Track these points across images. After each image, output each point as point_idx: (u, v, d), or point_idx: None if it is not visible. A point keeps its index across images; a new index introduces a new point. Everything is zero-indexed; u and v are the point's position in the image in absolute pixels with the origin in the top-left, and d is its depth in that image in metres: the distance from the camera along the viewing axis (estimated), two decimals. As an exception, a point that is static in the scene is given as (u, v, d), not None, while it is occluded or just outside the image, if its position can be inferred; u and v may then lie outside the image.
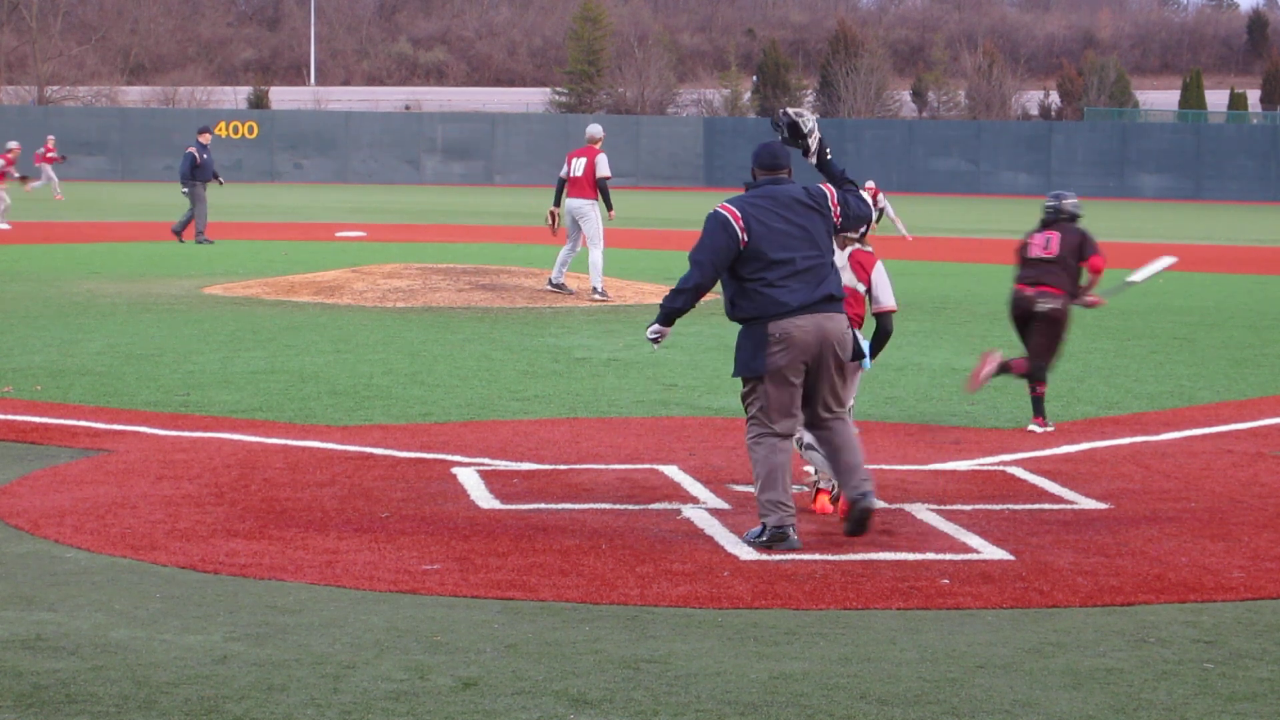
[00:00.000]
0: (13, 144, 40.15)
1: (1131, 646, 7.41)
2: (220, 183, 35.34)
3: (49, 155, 54.37)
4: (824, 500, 10.27)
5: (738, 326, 9.46)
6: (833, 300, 9.36)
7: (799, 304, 9.26)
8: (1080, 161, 76.34)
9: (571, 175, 22.50)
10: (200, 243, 33.80)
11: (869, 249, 10.57)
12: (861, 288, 10.45)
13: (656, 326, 9.58)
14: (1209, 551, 9.25)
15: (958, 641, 7.45)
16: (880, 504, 9.62)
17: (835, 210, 9.51)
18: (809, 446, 10.25)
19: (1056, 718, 6.46)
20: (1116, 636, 7.57)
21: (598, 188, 22.48)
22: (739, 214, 9.32)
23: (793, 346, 9.25)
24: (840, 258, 10.33)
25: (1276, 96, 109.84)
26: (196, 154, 34.03)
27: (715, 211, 9.42)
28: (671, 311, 9.51)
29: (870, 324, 10.43)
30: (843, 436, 9.49)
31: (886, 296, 10.39)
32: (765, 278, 9.28)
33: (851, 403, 10.46)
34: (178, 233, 34.19)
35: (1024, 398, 14.99)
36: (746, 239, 9.28)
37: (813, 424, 9.56)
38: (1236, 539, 9.57)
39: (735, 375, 9.47)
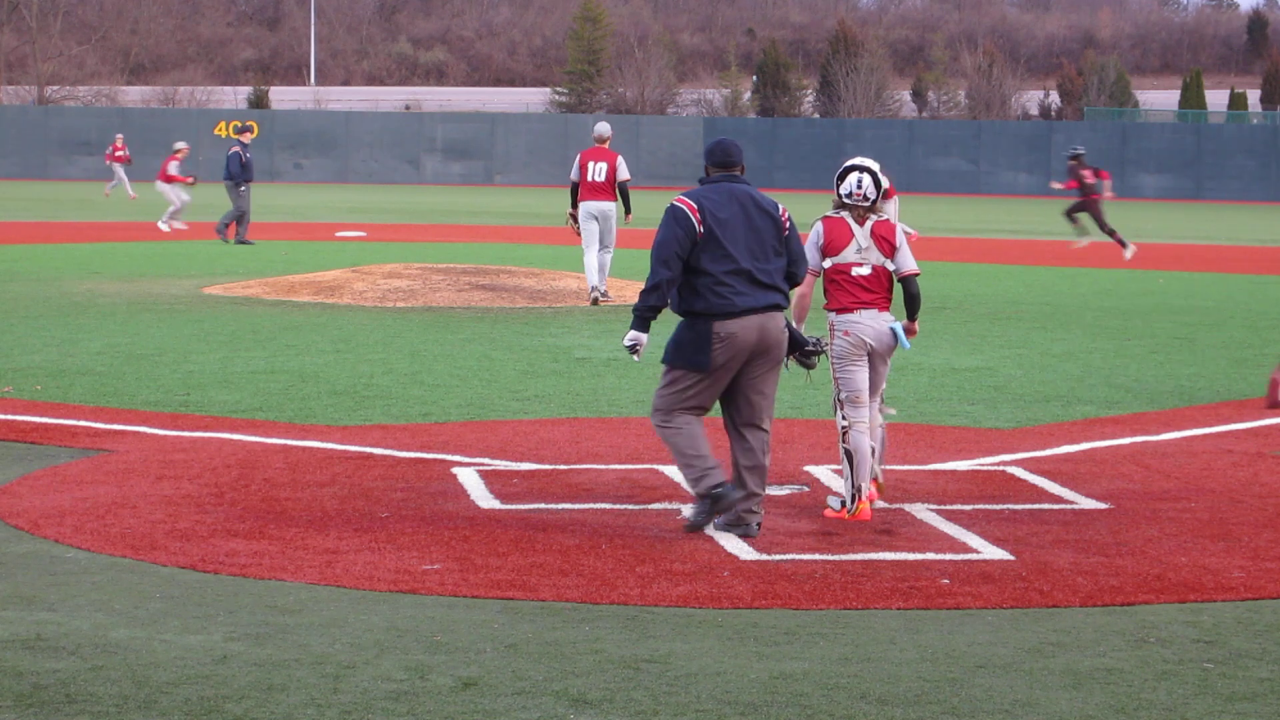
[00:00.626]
0: (180, 144, 39.95)
1: (1131, 646, 7.41)
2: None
3: (118, 154, 53.44)
4: (867, 503, 10.14)
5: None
6: (778, 307, 9.46)
7: (745, 307, 9.34)
8: (1080, 161, 76.30)
9: (591, 179, 22.29)
10: (223, 238, 33.78)
11: (885, 217, 10.45)
12: (890, 264, 10.32)
13: (633, 334, 9.55)
14: (1209, 551, 9.25)
15: (958, 641, 7.45)
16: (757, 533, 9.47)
17: (785, 224, 9.57)
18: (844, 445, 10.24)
19: (1056, 718, 6.46)
20: (1116, 636, 7.57)
21: (618, 190, 22.41)
22: (696, 206, 9.39)
23: (734, 346, 9.34)
24: (863, 236, 10.27)
25: (1276, 96, 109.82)
26: (242, 153, 34.00)
27: (673, 204, 9.49)
28: (646, 311, 9.46)
29: (893, 296, 10.45)
30: (759, 458, 9.48)
31: (910, 262, 10.35)
32: (715, 274, 9.34)
33: (883, 386, 10.45)
34: (241, 240, 33.92)
35: (1021, 399, 15.00)
36: (703, 230, 9.34)
37: (734, 428, 9.54)
38: (1236, 539, 9.57)
39: (669, 364, 9.47)
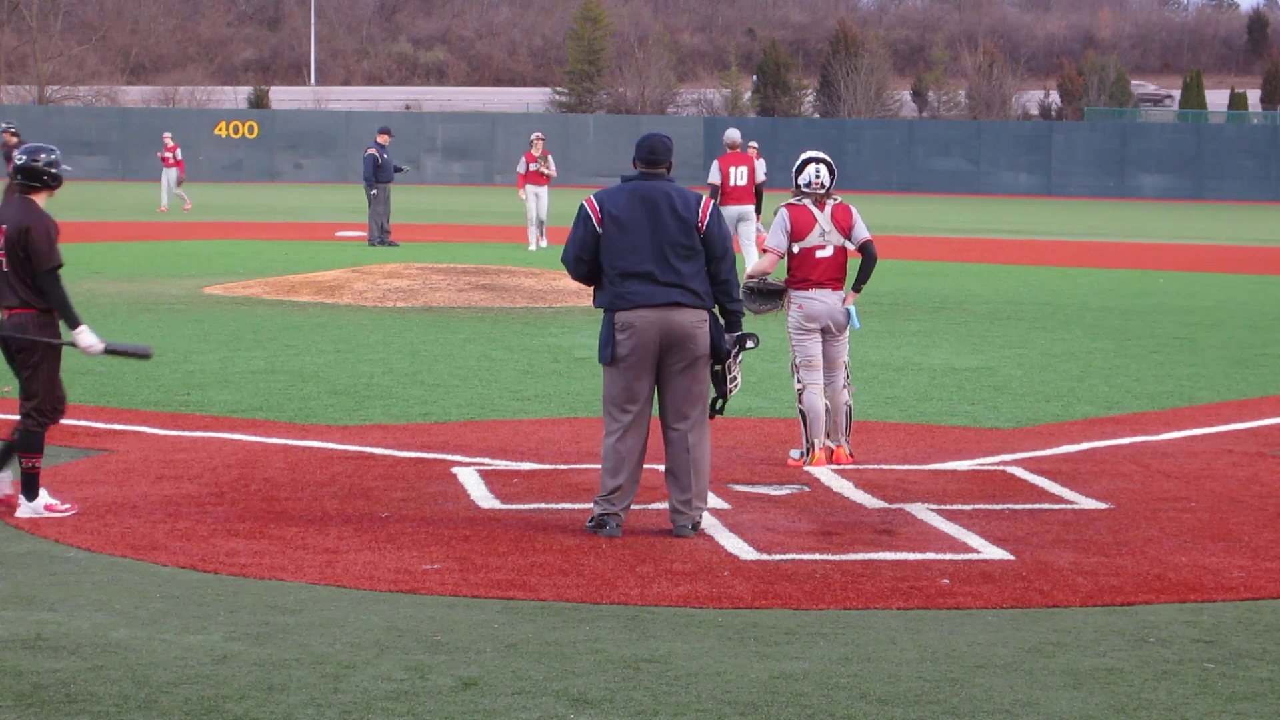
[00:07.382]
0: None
1: (1131, 646, 7.42)
2: (404, 170, 35.56)
3: (164, 156, 49.96)
4: (822, 456, 11.48)
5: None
6: (679, 305, 9.40)
7: (643, 301, 9.37)
8: (1080, 161, 76.29)
9: (734, 184, 23.55)
10: (384, 244, 33.52)
11: (839, 200, 11.75)
12: (850, 244, 11.65)
13: None
14: (1209, 551, 9.25)
15: (958, 641, 7.45)
16: (691, 534, 9.49)
17: (703, 221, 9.48)
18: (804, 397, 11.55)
19: (1056, 718, 6.47)
20: (1116, 636, 7.57)
21: (756, 193, 23.74)
22: (597, 205, 9.47)
23: (636, 336, 9.37)
24: (825, 220, 11.59)
25: (1276, 96, 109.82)
26: (378, 155, 33.85)
27: (581, 204, 9.60)
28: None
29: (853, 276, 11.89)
30: (681, 454, 9.45)
31: (863, 231, 11.73)
32: (614, 273, 9.41)
33: (846, 359, 11.74)
34: (383, 242, 33.72)
35: (1021, 399, 14.99)
36: (601, 230, 9.39)
37: (662, 427, 9.56)
38: (1236, 539, 9.57)
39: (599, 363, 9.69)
